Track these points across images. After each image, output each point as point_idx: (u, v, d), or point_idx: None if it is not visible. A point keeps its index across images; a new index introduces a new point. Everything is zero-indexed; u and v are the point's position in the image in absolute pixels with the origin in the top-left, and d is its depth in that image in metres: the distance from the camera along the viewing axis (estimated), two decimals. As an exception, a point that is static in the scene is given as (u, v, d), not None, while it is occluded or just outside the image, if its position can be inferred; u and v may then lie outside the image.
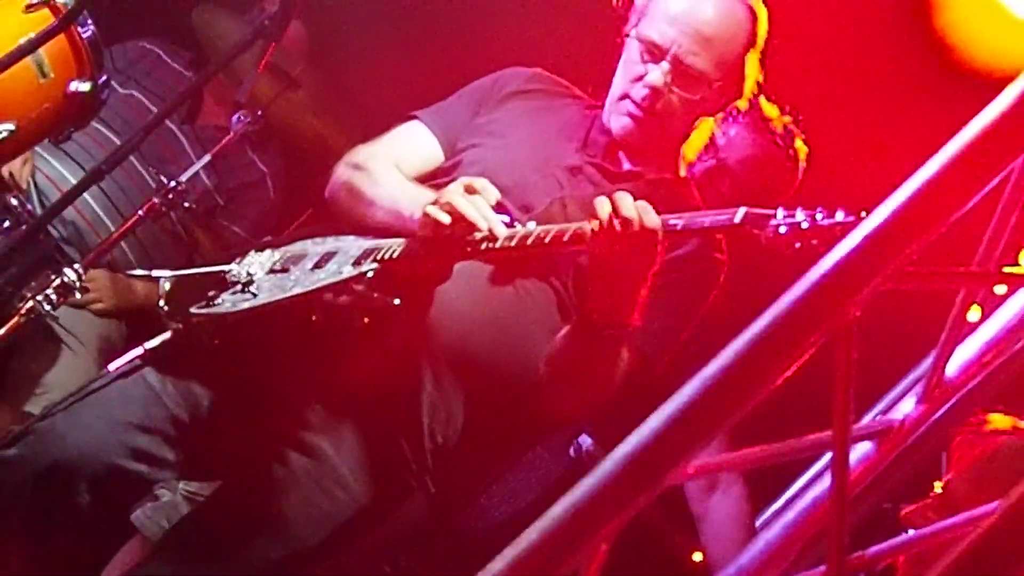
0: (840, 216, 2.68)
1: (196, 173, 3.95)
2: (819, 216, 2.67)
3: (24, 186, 4.20)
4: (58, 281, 3.30)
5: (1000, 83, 2.31)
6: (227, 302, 3.09)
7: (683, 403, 2.18)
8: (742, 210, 2.74)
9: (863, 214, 2.57)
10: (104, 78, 3.35)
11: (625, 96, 3.27)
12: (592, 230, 2.83)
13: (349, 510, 3.01)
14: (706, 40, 3.21)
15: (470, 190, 2.98)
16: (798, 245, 2.67)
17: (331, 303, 3.01)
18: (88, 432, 3.07)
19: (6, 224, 3.38)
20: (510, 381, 3.08)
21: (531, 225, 2.97)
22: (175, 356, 3.12)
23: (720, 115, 3.77)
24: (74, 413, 3.09)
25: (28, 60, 3.22)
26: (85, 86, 3.33)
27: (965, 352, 2.65)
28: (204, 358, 3.11)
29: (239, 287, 3.11)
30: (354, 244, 3.13)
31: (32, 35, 3.20)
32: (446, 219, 2.93)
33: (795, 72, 4.49)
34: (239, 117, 3.98)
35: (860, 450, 2.59)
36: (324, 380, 3.05)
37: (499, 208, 3.06)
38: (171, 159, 4.44)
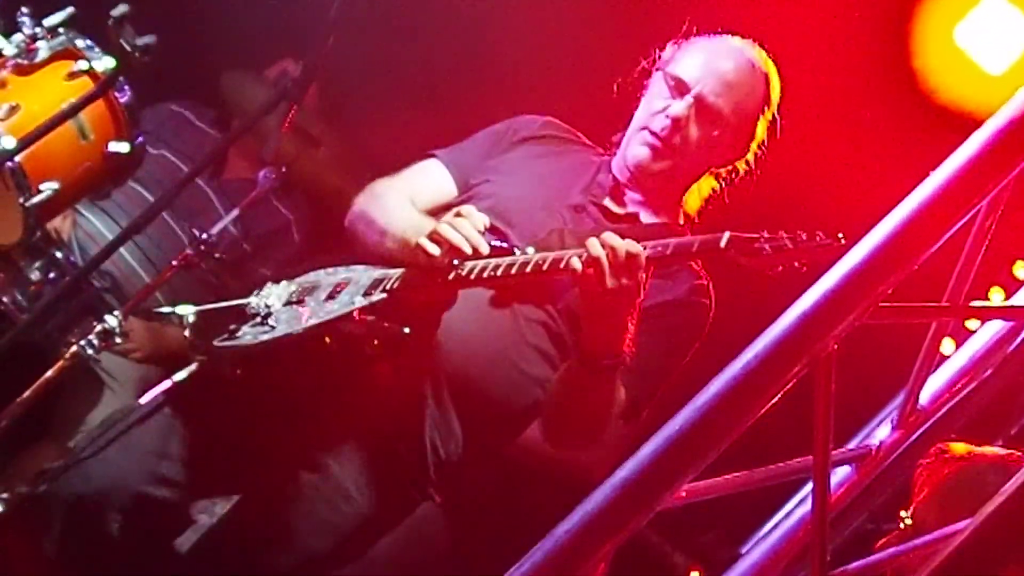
0: (819, 238, 2.80)
1: (225, 225, 4.17)
2: (800, 236, 2.82)
3: (66, 239, 4.40)
4: (100, 327, 3.48)
5: (968, 126, 2.49)
6: (248, 335, 3.27)
7: (675, 431, 2.38)
8: (727, 234, 2.89)
9: (840, 236, 2.75)
10: (140, 139, 3.53)
11: (645, 127, 3.45)
12: (581, 258, 2.99)
13: (354, 521, 3.21)
14: (729, 85, 3.43)
15: (456, 215, 3.18)
16: (780, 268, 2.83)
17: (344, 332, 3.20)
18: (111, 465, 3.27)
19: (52, 275, 3.55)
20: (503, 397, 3.27)
21: (529, 251, 3.16)
22: (200, 386, 3.32)
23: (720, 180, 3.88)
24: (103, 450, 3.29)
25: (70, 123, 3.39)
26: (123, 147, 3.50)
27: (937, 381, 2.84)
28: (226, 387, 3.30)
29: (258, 319, 3.28)
30: (364, 274, 3.31)
31: (73, 100, 3.36)
32: (435, 249, 3.13)
33: (789, 108, 4.71)
34: (265, 174, 4.19)
35: (840, 474, 2.78)
36: (335, 402, 3.24)
37: (503, 238, 3.26)
38: (200, 212, 4.62)
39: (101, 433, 3.34)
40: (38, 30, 3.49)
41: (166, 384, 3.39)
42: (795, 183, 4.25)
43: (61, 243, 3.98)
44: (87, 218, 4.56)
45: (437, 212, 3.44)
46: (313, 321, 3.22)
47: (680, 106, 3.41)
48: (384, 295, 3.20)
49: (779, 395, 2.41)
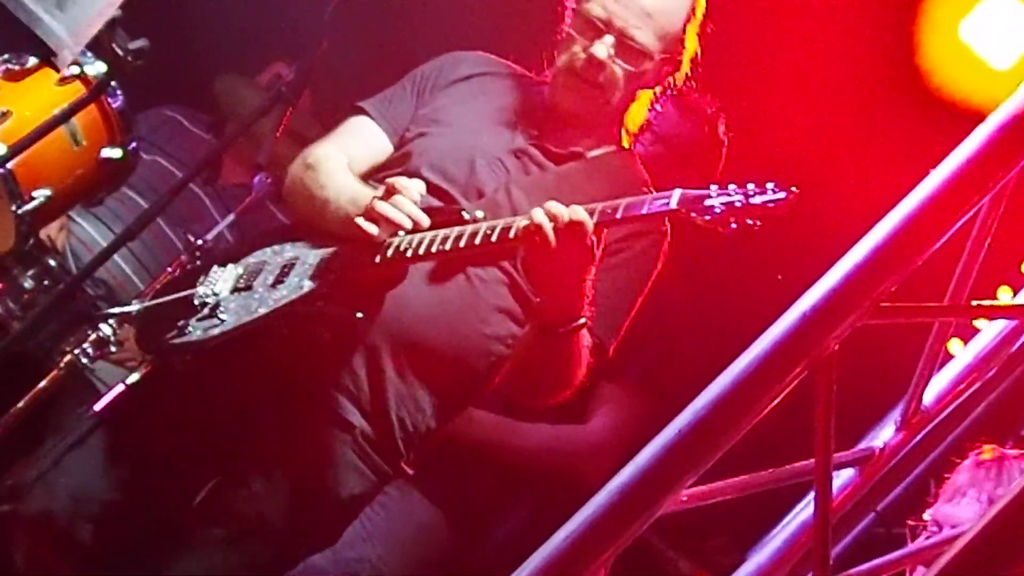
0: (771, 190, 2.76)
1: (220, 230, 4.14)
2: (751, 188, 2.76)
3: (61, 248, 4.37)
4: (94, 336, 3.45)
5: (974, 122, 2.45)
6: (197, 330, 3.22)
7: (674, 435, 2.33)
8: (677, 193, 2.84)
9: (793, 189, 2.70)
10: (133, 145, 3.52)
11: (571, 68, 3.34)
12: (526, 229, 2.95)
13: (327, 504, 3.19)
14: (648, 15, 3.29)
15: (391, 191, 3.13)
16: (734, 225, 2.77)
17: (295, 319, 3.17)
18: (74, 476, 3.23)
19: (45, 283, 3.53)
20: (468, 363, 3.24)
21: (477, 213, 3.12)
22: (155, 387, 3.26)
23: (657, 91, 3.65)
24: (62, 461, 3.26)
25: (62, 129, 3.39)
26: (116, 153, 3.50)
27: (941, 381, 2.79)
28: (181, 382, 3.25)
29: (206, 312, 3.23)
30: (311, 253, 3.27)
31: (65, 106, 3.36)
32: (374, 229, 3.10)
33: (793, 105, 4.68)
34: (260, 179, 4.16)
35: (844, 476, 2.73)
36: (294, 389, 3.20)
37: (446, 198, 3.23)
38: (195, 218, 4.59)
39: (57, 445, 3.32)
40: (29, 35, 3.47)
41: (119, 388, 3.35)
42: (798, 179, 4.21)
43: (55, 251, 3.96)
44: (80, 225, 4.54)
45: (375, 172, 3.39)
46: (263, 310, 3.18)
47: (601, 48, 3.28)
48: (332, 277, 3.16)
49: (779, 398, 2.36)
